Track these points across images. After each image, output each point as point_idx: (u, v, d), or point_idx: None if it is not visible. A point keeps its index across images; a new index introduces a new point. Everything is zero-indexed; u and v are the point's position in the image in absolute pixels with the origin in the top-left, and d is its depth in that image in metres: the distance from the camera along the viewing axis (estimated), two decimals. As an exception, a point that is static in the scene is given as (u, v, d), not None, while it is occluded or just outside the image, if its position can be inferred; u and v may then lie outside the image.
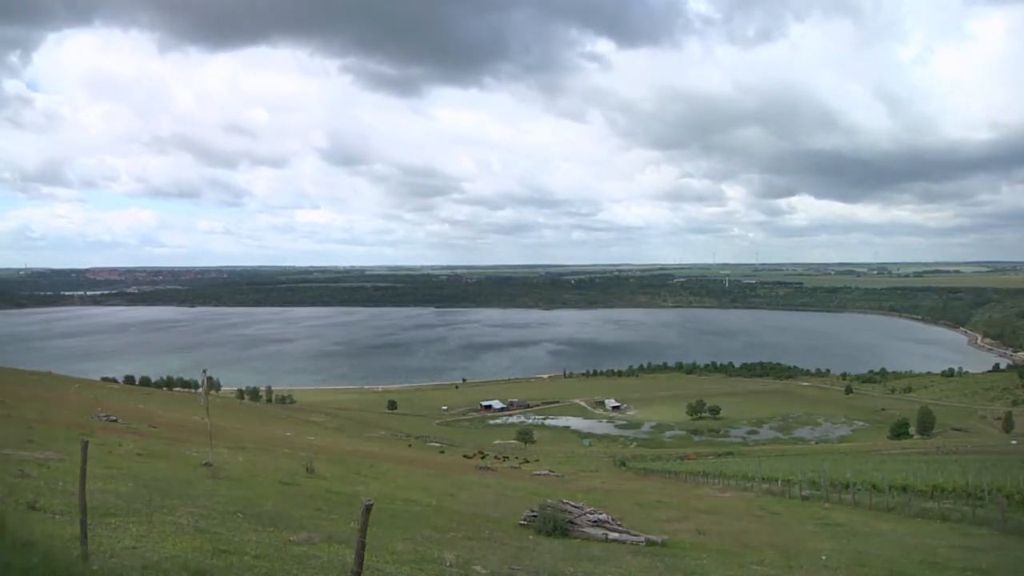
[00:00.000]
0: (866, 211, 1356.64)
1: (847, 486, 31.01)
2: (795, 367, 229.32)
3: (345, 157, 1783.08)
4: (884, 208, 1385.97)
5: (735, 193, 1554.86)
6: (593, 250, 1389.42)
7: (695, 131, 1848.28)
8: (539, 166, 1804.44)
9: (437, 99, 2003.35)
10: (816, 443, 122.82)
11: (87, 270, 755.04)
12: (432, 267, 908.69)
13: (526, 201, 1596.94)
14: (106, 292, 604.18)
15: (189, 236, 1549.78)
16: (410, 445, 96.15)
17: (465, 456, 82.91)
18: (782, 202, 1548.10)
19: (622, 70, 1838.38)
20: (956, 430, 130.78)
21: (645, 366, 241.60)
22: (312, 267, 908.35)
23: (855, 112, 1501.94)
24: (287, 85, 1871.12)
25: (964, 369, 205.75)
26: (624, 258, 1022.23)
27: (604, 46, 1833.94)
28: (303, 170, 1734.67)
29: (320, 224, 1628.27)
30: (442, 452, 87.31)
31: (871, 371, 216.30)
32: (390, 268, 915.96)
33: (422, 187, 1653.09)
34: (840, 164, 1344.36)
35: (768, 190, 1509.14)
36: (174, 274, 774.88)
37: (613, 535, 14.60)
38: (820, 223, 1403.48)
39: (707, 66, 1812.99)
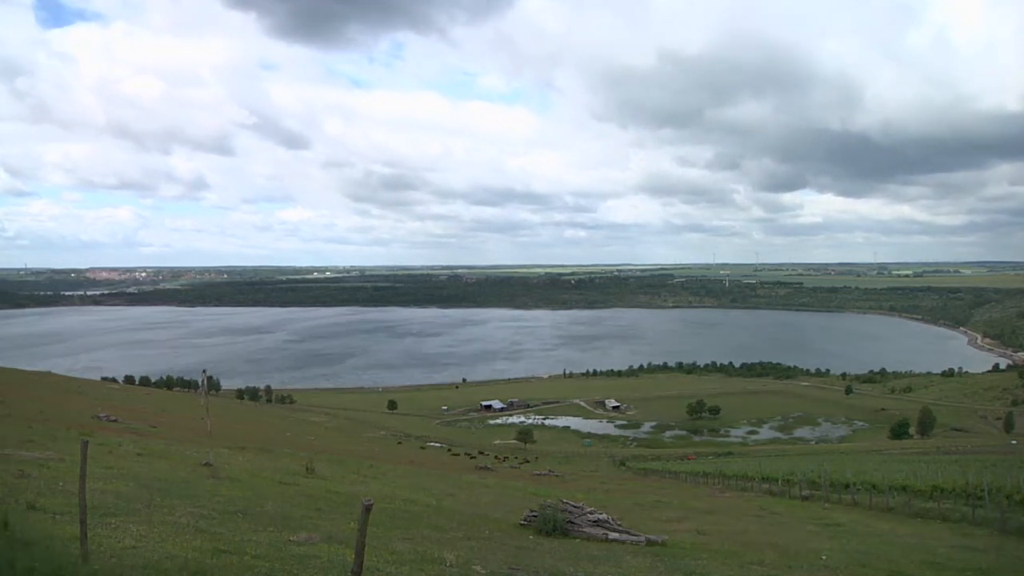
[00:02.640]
0: (870, 207, 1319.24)
1: (847, 486, 31.04)
2: (795, 367, 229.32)
3: (287, 140, 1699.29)
4: (890, 203, 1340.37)
5: (736, 185, 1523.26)
6: (588, 249, 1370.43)
7: (690, 102, 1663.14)
8: (507, 154, 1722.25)
9: (369, 62, 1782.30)
10: (816, 443, 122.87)
11: (87, 270, 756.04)
12: (418, 267, 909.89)
13: (508, 196, 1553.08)
14: (106, 292, 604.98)
15: (162, 234, 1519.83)
16: (399, 443, 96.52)
17: (453, 454, 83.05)
18: (784, 197, 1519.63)
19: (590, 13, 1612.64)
20: (956, 430, 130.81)
21: (645, 366, 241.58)
22: (312, 267, 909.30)
23: (866, 79, 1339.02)
24: (180, 46, 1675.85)
25: (964, 369, 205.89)
26: (623, 258, 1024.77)
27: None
28: (251, 159, 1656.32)
29: (295, 222, 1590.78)
30: (456, 456, 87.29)
31: (871, 371, 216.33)
32: (389, 268, 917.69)
33: (387, 178, 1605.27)
34: (848, 147, 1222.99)
35: (771, 181, 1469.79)
36: (174, 274, 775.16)
37: (613, 535, 14.59)
38: (823, 223, 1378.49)
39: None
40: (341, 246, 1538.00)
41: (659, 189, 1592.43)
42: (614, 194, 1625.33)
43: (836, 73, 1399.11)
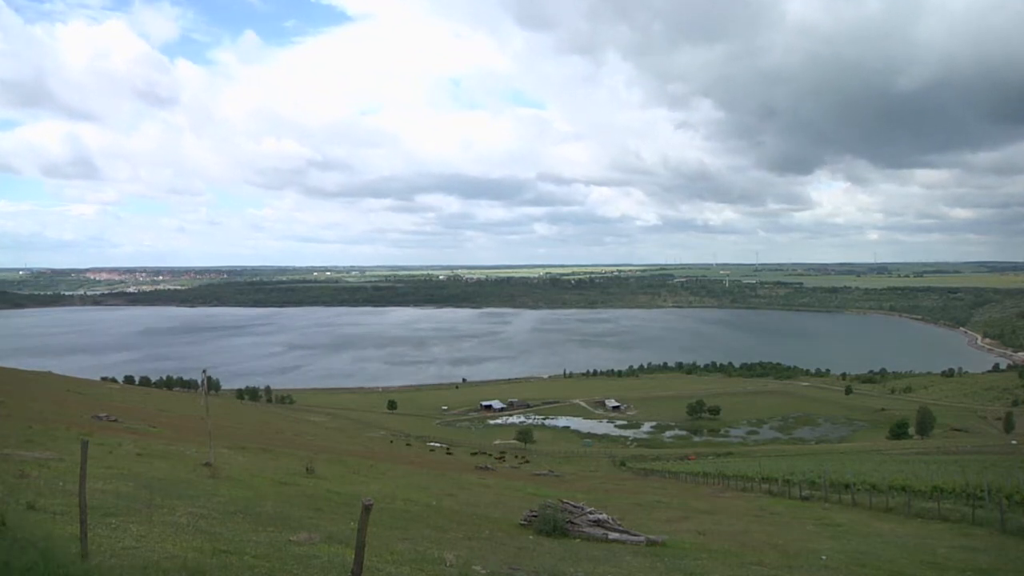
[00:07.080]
0: (879, 201, 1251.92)
1: (847, 486, 31.03)
2: (795, 367, 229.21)
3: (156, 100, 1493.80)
4: (903, 195, 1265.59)
5: (741, 162, 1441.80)
6: (579, 248, 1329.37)
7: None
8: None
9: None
10: (816, 443, 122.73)
11: (87, 270, 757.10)
12: (409, 267, 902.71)
13: (477, 185, 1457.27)
14: (106, 292, 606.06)
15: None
16: (391, 441, 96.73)
17: (448, 454, 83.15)
18: (790, 188, 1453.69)
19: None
20: (956, 430, 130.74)
21: (645, 366, 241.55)
22: (312, 267, 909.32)
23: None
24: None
25: (964, 369, 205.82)
26: (622, 258, 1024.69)
27: None
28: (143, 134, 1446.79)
29: (257, 216, 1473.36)
30: (432, 451, 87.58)
31: (871, 371, 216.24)
32: (391, 268, 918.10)
33: (322, 163, 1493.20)
34: (876, 111, 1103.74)
35: (779, 161, 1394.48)
36: (173, 274, 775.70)
37: (613, 535, 14.59)
38: (828, 218, 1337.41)
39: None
40: (321, 245, 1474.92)
41: (653, 177, 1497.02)
42: (597, 181, 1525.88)
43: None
